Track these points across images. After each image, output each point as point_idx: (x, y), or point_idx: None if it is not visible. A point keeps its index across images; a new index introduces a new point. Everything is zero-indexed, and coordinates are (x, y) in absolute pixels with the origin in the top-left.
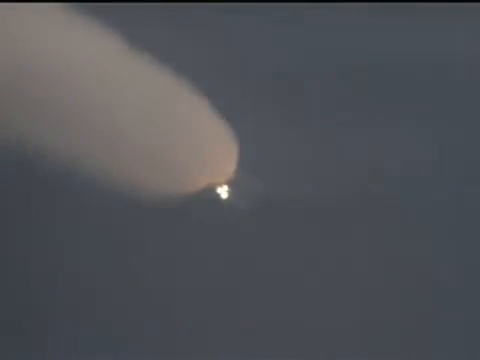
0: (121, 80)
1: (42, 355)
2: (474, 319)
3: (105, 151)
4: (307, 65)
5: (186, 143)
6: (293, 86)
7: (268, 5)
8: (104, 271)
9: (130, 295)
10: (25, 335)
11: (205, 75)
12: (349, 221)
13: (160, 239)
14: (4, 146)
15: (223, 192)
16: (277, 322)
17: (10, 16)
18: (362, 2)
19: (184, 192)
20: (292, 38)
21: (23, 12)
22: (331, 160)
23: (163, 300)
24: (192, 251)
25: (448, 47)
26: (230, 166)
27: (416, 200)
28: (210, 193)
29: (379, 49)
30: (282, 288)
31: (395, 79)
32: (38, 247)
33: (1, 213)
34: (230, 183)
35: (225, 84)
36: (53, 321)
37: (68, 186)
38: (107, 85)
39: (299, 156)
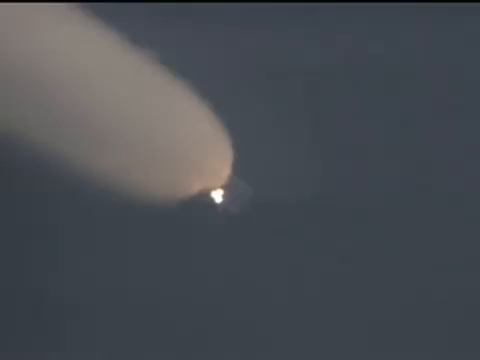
0: (116, 83)
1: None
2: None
3: (101, 154)
4: (307, 70)
5: (182, 148)
6: (292, 91)
7: (267, 7)
8: (96, 274)
9: (123, 297)
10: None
11: (203, 80)
12: (344, 224)
13: (154, 242)
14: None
15: (217, 196)
16: (270, 321)
17: (17, 16)
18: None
19: (179, 196)
20: (292, 41)
21: (30, 12)
22: (327, 166)
23: (156, 301)
24: (186, 254)
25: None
26: (225, 171)
27: (405, 201)
28: (204, 197)
29: (375, 49)
30: (274, 289)
31: (389, 80)
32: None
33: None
34: (224, 187)
35: (223, 88)
36: (47, 321)
37: (59, 187)
38: (102, 88)
39: (294, 161)
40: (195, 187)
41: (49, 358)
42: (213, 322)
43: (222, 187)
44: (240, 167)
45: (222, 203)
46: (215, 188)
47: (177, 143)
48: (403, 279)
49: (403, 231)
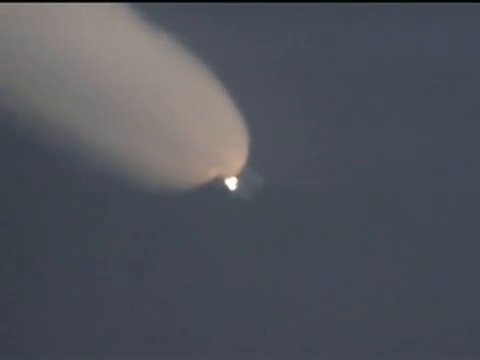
0: (138, 74)
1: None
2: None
3: (122, 139)
4: (320, 66)
5: (201, 138)
6: (306, 86)
7: (290, 4)
8: (112, 257)
9: (137, 280)
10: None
11: (223, 74)
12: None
13: (169, 225)
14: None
15: (231, 184)
16: (277, 304)
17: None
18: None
19: (196, 182)
20: (310, 38)
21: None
22: (337, 159)
23: (171, 283)
24: (199, 237)
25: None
26: (239, 161)
27: (416, 196)
28: (219, 184)
29: (391, 47)
30: (281, 272)
31: (403, 77)
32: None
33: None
34: (238, 176)
35: (242, 83)
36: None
37: (78, 171)
38: (123, 78)
39: (306, 154)
40: (211, 174)
41: None
42: (221, 301)
43: (236, 175)
44: (253, 158)
45: (235, 190)
46: (229, 176)
47: (196, 133)
48: (408, 262)
49: (410, 217)
